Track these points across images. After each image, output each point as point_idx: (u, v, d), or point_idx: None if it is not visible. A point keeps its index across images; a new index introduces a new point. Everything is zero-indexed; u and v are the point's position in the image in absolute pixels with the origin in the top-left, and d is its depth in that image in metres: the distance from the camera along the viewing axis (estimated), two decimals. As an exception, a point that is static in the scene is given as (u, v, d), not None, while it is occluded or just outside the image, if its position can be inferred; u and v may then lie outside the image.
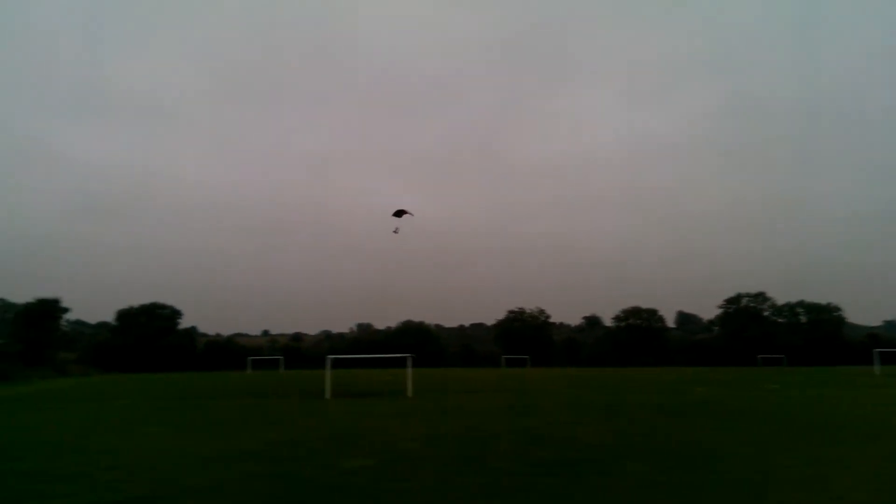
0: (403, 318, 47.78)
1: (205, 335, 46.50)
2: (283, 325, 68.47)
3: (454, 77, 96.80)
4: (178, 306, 40.58)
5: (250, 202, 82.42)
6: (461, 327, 63.72)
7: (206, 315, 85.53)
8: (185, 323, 40.98)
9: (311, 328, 63.38)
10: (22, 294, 45.92)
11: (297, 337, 57.50)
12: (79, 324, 45.34)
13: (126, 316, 39.28)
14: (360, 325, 60.82)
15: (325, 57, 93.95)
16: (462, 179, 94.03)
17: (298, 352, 42.25)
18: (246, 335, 56.19)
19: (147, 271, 65.87)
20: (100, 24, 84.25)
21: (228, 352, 40.22)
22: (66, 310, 34.69)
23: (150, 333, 37.72)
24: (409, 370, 14.73)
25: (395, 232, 11.21)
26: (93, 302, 72.82)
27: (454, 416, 9.24)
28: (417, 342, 37.83)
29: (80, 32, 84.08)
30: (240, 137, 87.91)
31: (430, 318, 60.69)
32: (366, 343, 41.04)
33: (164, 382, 21.87)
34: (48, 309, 33.03)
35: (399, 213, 11.33)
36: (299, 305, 73.91)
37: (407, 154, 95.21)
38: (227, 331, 51.88)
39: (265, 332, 62.71)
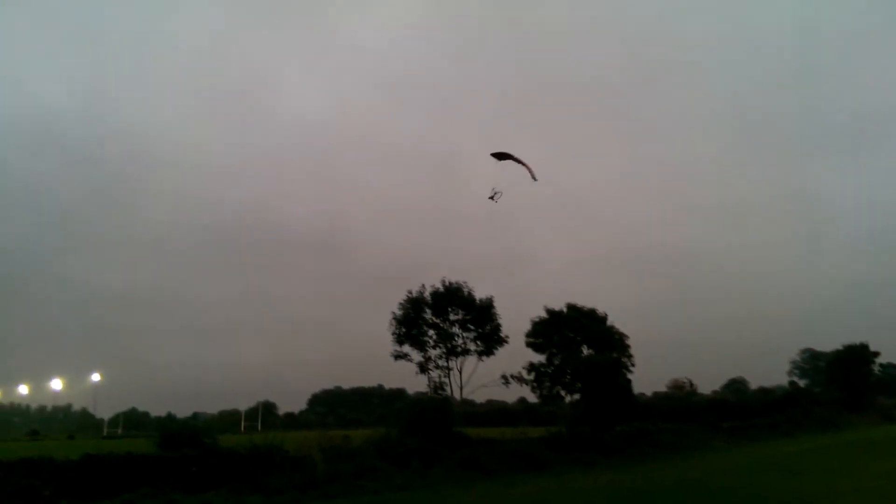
0: None
1: None
2: None
3: None
4: None
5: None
6: None
7: None
8: None
9: None
10: (828, 342, 47.40)
11: None
12: (890, 367, 42.69)
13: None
14: None
15: None
16: None
17: None
18: None
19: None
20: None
21: None
22: (876, 354, 33.53)
23: None
24: None
25: (491, 198, 8.91)
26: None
27: None
28: None
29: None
30: None
31: None
32: None
33: None
34: (858, 354, 32.72)
35: (501, 156, 8.55)
36: None
37: None
38: None
39: None
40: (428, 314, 14.26)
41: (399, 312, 14.16)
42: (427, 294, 14.31)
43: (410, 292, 14.27)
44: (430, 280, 15.07)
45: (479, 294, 14.50)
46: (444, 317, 14.25)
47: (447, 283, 14.42)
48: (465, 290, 14.42)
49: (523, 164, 8.97)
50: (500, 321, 14.44)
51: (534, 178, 8.96)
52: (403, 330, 14.04)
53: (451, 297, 14.31)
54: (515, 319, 16.10)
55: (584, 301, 15.74)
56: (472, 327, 14.28)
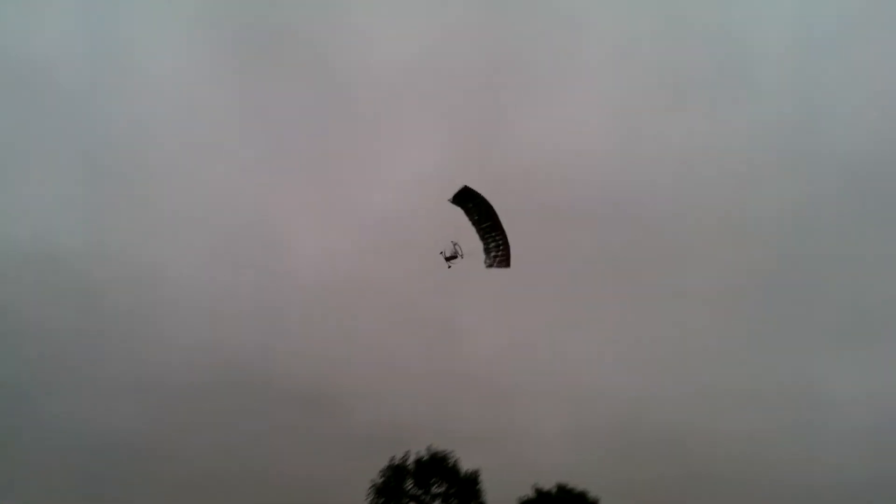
0: None
1: None
2: None
3: None
4: None
5: None
6: None
7: None
8: None
9: None
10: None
11: None
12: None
13: None
14: None
15: None
16: None
17: None
18: None
19: None
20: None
21: None
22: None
23: None
24: None
25: (449, 259, 6.66)
26: None
27: None
28: None
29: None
30: None
31: None
32: None
33: None
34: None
35: (464, 197, 6.10)
36: None
37: None
38: None
39: None
40: (409, 484, 13.43)
41: (379, 480, 13.34)
42: (410, 461, 13.60)
43: (393, 458, 13.58)
44: (418, 445, 14.38)
45: (467, 464, 13.78)
46: (427, 489, 13.40)
47: (433, 451, 13.76)
48: (452, 459, 13.73)
49: (495, 226, 6.08)
50: (486, 498, 13.54)
51: (493, 263, 6.39)
52: (382, 500, 13.14)
53: (436, 467, 13.57)
54: (504, 496, 15.14)
55: (577, 480, 14.89)
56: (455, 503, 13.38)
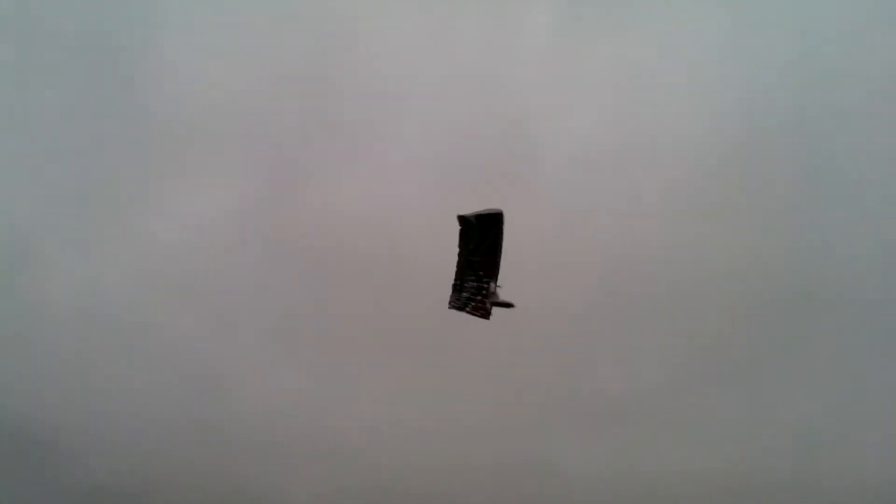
0: None
1: None
2: None
3: None
4: None
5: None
6: None
7: None
8: None
9: None
10: None
11: None
12: None
13: None
14: None
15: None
16: None
17: None
18: None
19: None
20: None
21: None
22: None
23: None
24: None
25: (502, 304, 5.49)
26: None
27: None
28: None
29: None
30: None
31: None
32: None
33: None
34: None
35: (486, 220, 5.02)
36: None
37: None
38: None
39: None
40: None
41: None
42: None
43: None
44: (165, 501, 13.23)
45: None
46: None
47: (179, 509, 12.82)
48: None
49: (492, 267, 4.94)
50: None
51: (466, 307, 5.40)
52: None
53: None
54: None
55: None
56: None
